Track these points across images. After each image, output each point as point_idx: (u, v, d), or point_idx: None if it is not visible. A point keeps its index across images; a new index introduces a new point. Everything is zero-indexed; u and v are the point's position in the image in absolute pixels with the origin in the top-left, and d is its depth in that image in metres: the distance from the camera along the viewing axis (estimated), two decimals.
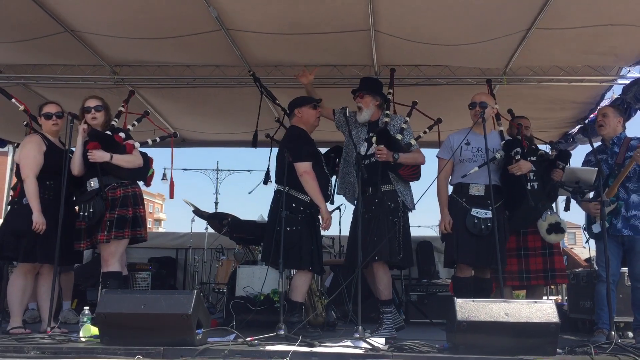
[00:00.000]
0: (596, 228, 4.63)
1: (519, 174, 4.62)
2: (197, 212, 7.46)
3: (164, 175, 28.37)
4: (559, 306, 5.89)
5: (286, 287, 5.04)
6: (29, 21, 5.12)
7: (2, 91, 5.07)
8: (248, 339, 3.68)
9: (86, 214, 4.36)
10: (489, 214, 4.46)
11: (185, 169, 29.11)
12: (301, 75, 5.46)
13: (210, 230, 7.79)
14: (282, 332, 3.95)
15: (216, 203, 28.60)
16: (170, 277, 8.19)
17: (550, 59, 5.92)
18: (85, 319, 3.96)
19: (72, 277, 5.87)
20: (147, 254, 8.17)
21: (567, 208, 4.95)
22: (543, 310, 3.46)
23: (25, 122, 5.11)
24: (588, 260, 7.25)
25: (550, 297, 8.74)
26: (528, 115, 5.62)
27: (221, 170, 28.73)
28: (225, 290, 6.46)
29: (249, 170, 31.73)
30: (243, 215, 7.60)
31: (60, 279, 5.87)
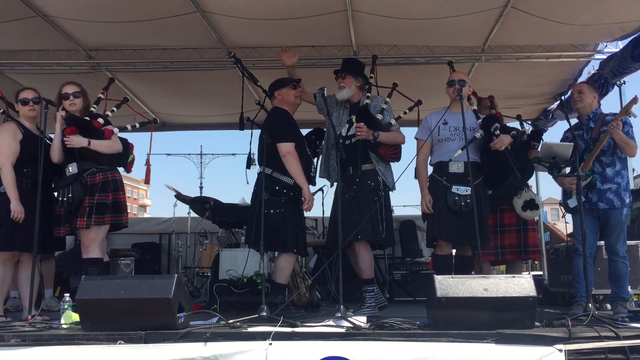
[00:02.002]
0: (572, 202, 4.70)
1: (502, 149, 4.64)
2: (179, 196, 7.42)
3: (147, 161, 28.29)
4: (538, 280, 6.00)
5: (270, 269, 5.05)
6: None
7: None
8: (230, 321, 3.69)
9: (65, 199, 4.32)
10: (469, 191, 4.50)
11: (169, 154, 29.00)
12: (285, 53, 5.35)
13: (193, 214, 7.77)
14: (265, 314, 3.95)
15: (201, 187, 28.54)
16: (154, 263, 8.18)
17: (528, 37, 5.94)
18: (66, 306, 3.94)
19: (53, 264, 5.82)
20: (131, 240, 8.14)
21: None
22: (521, 284, 3.50)
23: (1, 110, 5.03)
24: (571, 235, 7.36)
25: (533, 273, 8.88)
26: (506, 92, 5.67)
27: (205, 154, 28.65)
28: (209, 274, 6.46)
29: (233, 154, 31.64)
30: (229, 199, 7.59)
31: (41, 267, 5.85)
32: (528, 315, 3.47)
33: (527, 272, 8.83)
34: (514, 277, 3.59)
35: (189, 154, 30.09)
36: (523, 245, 5.15)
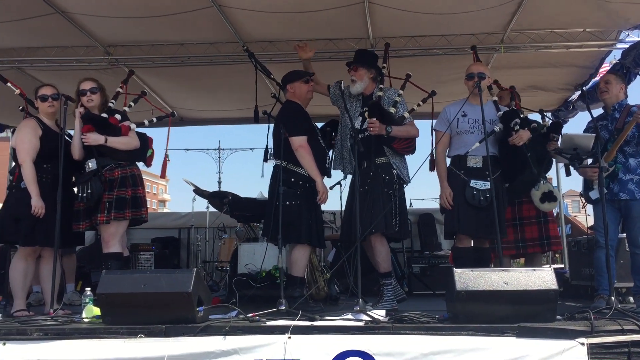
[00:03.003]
0: (594, 194, 4.63)
1: (520, 144, 4.59)
2: (198, 191, 7.44)
3: (167, 156, 28.44)
4: (559, 273, 5.93)
5: (287, 262, 5.04)
6: (18, 1, 5.07)
7: None
8: (249, 315, 3.70)
9: (84, 194, 4.36)
10: (488, 185, 4.46)
11: (187, 149, 29.14)
12: (301, 48, 5.34)
13: (212, 209, 7.79)
14: (283, 307, 3.96)
15: (219, 182, 28.65)
16: (174, 257, 8.22)
17: (548, 24, 5.84)
18: (87, 300, 3.98)
19: (74, 259, 5.89)
20: (151, 235, 8.18)
21: (568, 173, 4.95)
22: (542, 277, 3.47)
23: (21, 107, 5.09)
24: (592, 227, 7.27)
25: (554, 266, 8.78)
26: (526, 81, 5.58)
27: (223, 149, 28.69)
28: (228, 269, 6.48)
29: (250, 149, 31.60)
30: (247, 194, 7.59)
31: (62, 262, 5.92)
32: (549, 308, 3.44)
33: (548, 265, 8.76)
34: (534, 270, 3.56)
35: (207, 149, 30.18)
36: (545, 238, 5.10)
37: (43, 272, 4.62)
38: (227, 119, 8.76)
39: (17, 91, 4.90)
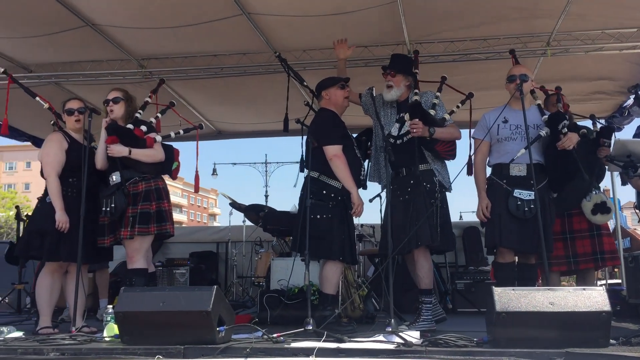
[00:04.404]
0: None
1: (570, 148, 4.25)
2: (234, 204, 7.34)
3: (214, 170, 28.70)
4: (615, 291, 5.47)
5: (318, 279, 4.82)
6: (47, 15, 5.08)
7: (26, 90, 5.02)
8: (274, 335, 3.49)
9: (108, 209, 4.27)
10: (533, 195, 4.14)
11: (235, 163, 29.35)
12: (340, 45, 5.16)
13: (248, 222, 7.67)
14: (310, 327, 3.73)
15: (266, 196, 28.69)
16: (212, 272, 8.12)
17: (599, 24, 5.47)
18: (109, 318, 3.86)
19: (107, 274, 5.83)
20: (189, 249, 8.12)
21: (623, 182, 4.59)
22: (592, 297, 3.13)
23: (52, 122, 5.07)
24: None
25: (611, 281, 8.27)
26: (573, 86, 5.22)
27: (269, 163, 28.78)
28: (263, 284, 6.31)
29: (297, 162, 31.52)
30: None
31: (95, 277, 5.87)
32: (602, 332, 3.10)
33: (603, 281, 8.23)
34: (584, 289, 3.22)
35: (255, 163, 30.30)
36: (599, 252, 4.70)
37: (68, 288, 4.55)
38: (265, 132, 8.64)
39: (46, 105, 4.86)
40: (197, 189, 5.33)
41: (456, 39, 5.70)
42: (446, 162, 4.62)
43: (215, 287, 3.43)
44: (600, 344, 3.07)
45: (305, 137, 4.76)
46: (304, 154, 4.73)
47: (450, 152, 4.56)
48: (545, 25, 5.47)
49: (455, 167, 4.39)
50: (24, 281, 7.03)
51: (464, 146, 4.63)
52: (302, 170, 4.82)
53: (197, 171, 5.13)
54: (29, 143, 7.92)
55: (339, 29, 5.40)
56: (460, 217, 26.53)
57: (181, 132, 4.85)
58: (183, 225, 40.86)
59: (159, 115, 4.89)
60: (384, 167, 4.61)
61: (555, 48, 5.74)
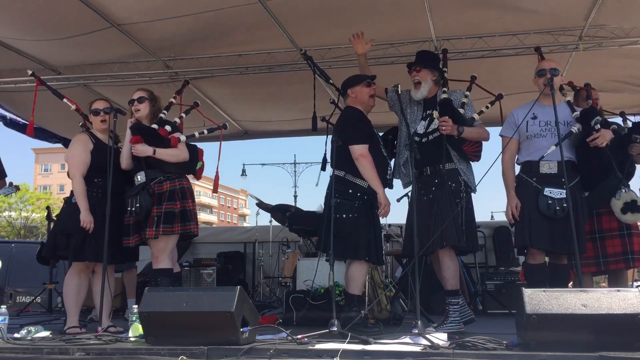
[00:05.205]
0: None
1: (603, 145, 4.12)
2: (261, 204, 7.31)
3: (243, 171, 28.83)
4: None
5: (344, 279, 4.76)
6: (74, 17, 5.12)
7: (54, 91, 5.08)
8: (299, 336, 3.45)
9: (133, 209, 4.27)
10: (564, 194, 4.01)
11: (264, 164, 29.47)
12: (357, 40, 5.02)
13: (275, 223, 7.65)
14: (335, 329, 3.68)
15: (295, 196, 28.75)
16: (239, 272, 8.12)
17: (634, 18, 5.29)
18: (134, 318, 3.86)
19: (134, 274, 5.86)
20: (217, 249, 8.15)
21: None
22: (627, 299, 3.01)
23: (80, 123, 5.11)
24: None
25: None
26: (604, 79, 5.05)
27: (298, 163, 28.82)
28: (290, 284, 6.28)
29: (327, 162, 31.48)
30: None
31: (123, 277, 5.91)
32: (637, 335, 2.97)
33: (638, 283, 7.99)
34: (618, 290, 3.10)
35: (283, 164, 30.36)
36: (630, 252, 4.54)
37: (95, 288, 4.55)
38: (292, 131, 8.61)
39: (73, 107, 4.91)
40: (215, 189, 5.34)
41: (484, 34, 5.58)
42: (472, 163, 4.53)
43: (239, 287, 3.40)
44: (635, 347, 2.94)
45: (329, 136, 4.70)
46: (326, 152, 4.68)
47: (477, 153, 4.48)
48: (576, 20, 5.31)
49: (481, 169, 4.28)
50: (54, 281, 7.12)
51: (493, 148, 4.52)
52: (323, 169, 4.76)
53: (217, 171, 5.12)
54: (62, 145, 8.03)
55: (365, 24, 5.32)
56: (492, 217, 26.18)
57: (205, 131, 4.84)
58: (213, 226, 41.14)
59: (183, 115, 4.88)
60: (402, 165, 4.54)
61: (588, 43, 5.58)
